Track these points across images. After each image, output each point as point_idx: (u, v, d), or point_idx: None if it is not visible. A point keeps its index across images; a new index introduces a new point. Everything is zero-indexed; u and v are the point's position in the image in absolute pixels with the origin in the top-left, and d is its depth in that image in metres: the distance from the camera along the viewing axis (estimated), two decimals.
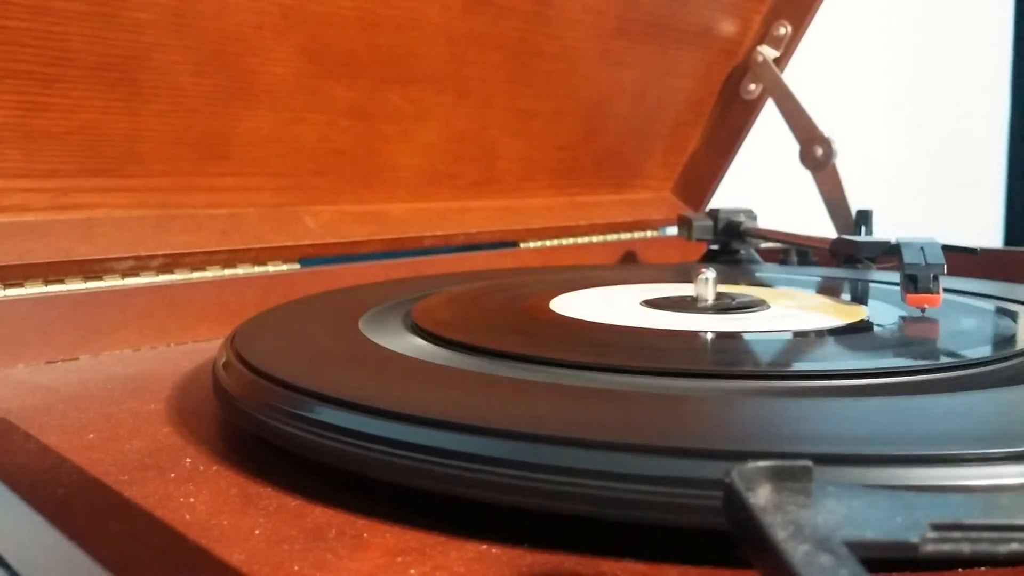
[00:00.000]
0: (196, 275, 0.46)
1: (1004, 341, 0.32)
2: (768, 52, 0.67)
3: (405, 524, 0.21)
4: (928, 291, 0.36)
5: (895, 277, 0.39)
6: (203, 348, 0.43)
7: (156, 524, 0.18)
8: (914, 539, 0.13)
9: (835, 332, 0.33)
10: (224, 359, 0.29)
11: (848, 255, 0.51)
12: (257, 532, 0.21)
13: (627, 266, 0.67)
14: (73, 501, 0.20)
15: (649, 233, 0.73)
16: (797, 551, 0.12)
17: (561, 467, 0.19)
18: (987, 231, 1.53)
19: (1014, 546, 0.14)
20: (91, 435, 0.29)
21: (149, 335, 0.44)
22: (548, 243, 0.65)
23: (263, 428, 0.25)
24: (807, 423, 0.21)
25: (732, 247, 0.59)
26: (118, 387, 0.36)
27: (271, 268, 0.49)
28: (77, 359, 0.41)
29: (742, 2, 0.66)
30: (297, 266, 0.50)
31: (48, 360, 0.40)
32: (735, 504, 0.14)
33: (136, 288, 0.44)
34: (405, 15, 0.48)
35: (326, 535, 0.21)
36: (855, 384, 0.26)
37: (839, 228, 0.62)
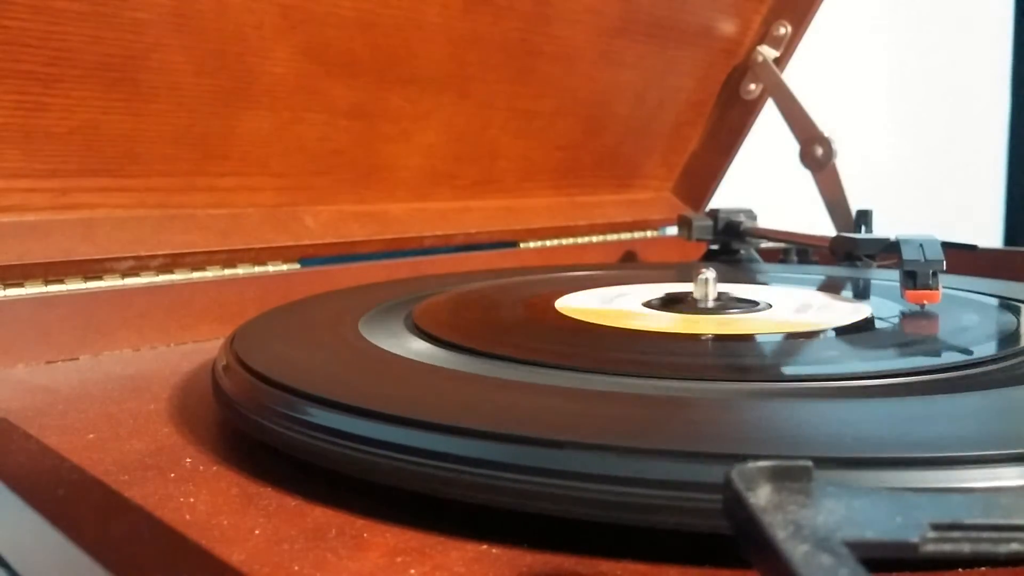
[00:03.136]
0: (196, 275, 0.46)
1: (1004, 339, 0.32)
2: (768, 52, 0.67)
3: (405, 524, 0.21)
4: (927, 287, 0.36)
5: (895, 275, 0.39)
6: (203, 348, 0.43)
7: (156, 524, 0.18)
8: (914, 539, 0.13)
9: (835, 331, 0.33)
10: (224, 362, 0.29)
11: (848, 253, 0.51)
12: (257, 532, 0.21)
13: (627, 266, 0.67)
14: (73, 501, 0.20)
15: (649, 233, 0.73)
16: (797, 551, 0.12)
17: (562, 471, 0.19)
18: (987, 231, 1.53)
19: (1014, 546, 0.14)
20: (91, 435, 0.29)
21: (149, 335, 0.44)
22: (548, 243, 0.65)
23: (264, 432, 0.25)
24: (808, 425, 0.21)
25: (732, 247, 0.59)
26: (118, 387, 0.36)
27: (271, 268, 0.49)
28: (77, 359, 0.41)
29: (742, 2, 0.66)
30: (297, 266, 0.50)
31: (48, 360, 0.40)
32: (735, 504, 0.14)
33: (136, 288, 0.44)
34: (405, 15, 0.48)
35: (326, 535, 0.21)
36: (856, 385, 0.26)
37: (839, 228, 0.62)
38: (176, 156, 0.44)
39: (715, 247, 0.60)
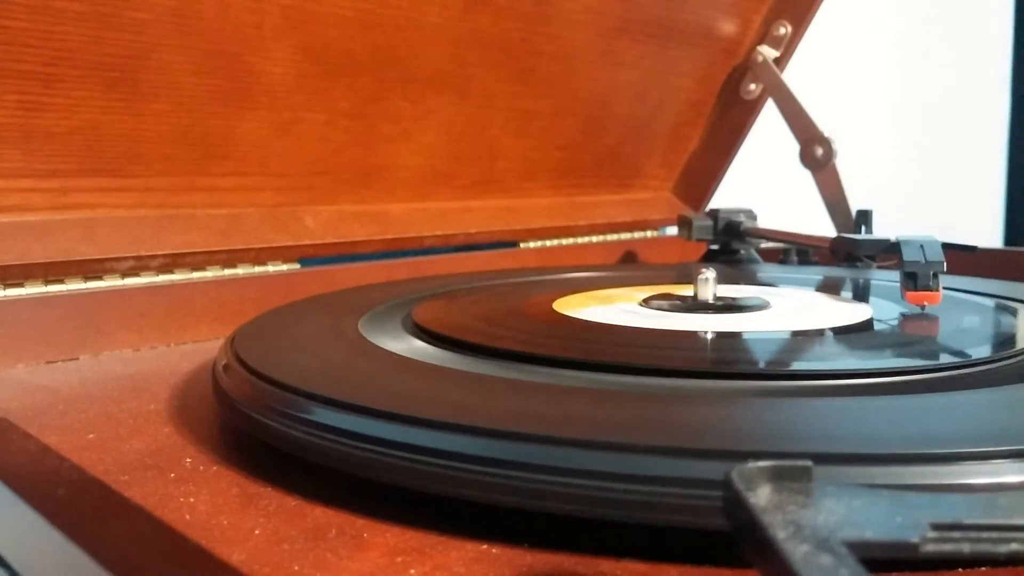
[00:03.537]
0: (196, 275, 0.46)
1: (1004, 339, 0.32)
2: (768, 52, 0.67)
3: (405, 524, 0.21)
4: (928, 288, 0.36)
5: (895, 276, 0.39)
6: (203, 348, 0.43)
7: (156, 524, 0.18)
8: (914, 539, 0.13)
9: (835, 331, 0.33)
10: (224, 362, 0.29)
11: (848, 253, 0.51)
12: (257, 532, 0.21)
13: (627, 266, 0.67)
14: (73, 501, 0.20)
15: (649, 233, 0.73)
16: (797, 551, 0.12)
17: (561, 468, 0.19)
18: (987, 231, 1.53)
19: (1014, 546, 0.14)
20: (91, 435, 0.29)
21: (149, 335, 0.44)
22: (548, 243, 0.65)
23: (264, 431, 0.25)
24: (807, 423, 0.21)
25: (732, 247, 0.59)
26: (118, 387, 0.36)
27: (271, 268, 0.49)
28: (77, 359, 0.41)
29: (742, 2, 0.66)
30: (297, 266, 0.50)
31: (48, 360, 0.40)
32: (735, 504, 0.14)
33: (136, 288, 0.44)
34: (405, 15, 0.48)
35: (326, 535, 0.21)
36: (855, 384, 0.26)
37: (839, 228, 0.62)
38: (176, 156, 0.44)
39: (715, 247, 0.60)
